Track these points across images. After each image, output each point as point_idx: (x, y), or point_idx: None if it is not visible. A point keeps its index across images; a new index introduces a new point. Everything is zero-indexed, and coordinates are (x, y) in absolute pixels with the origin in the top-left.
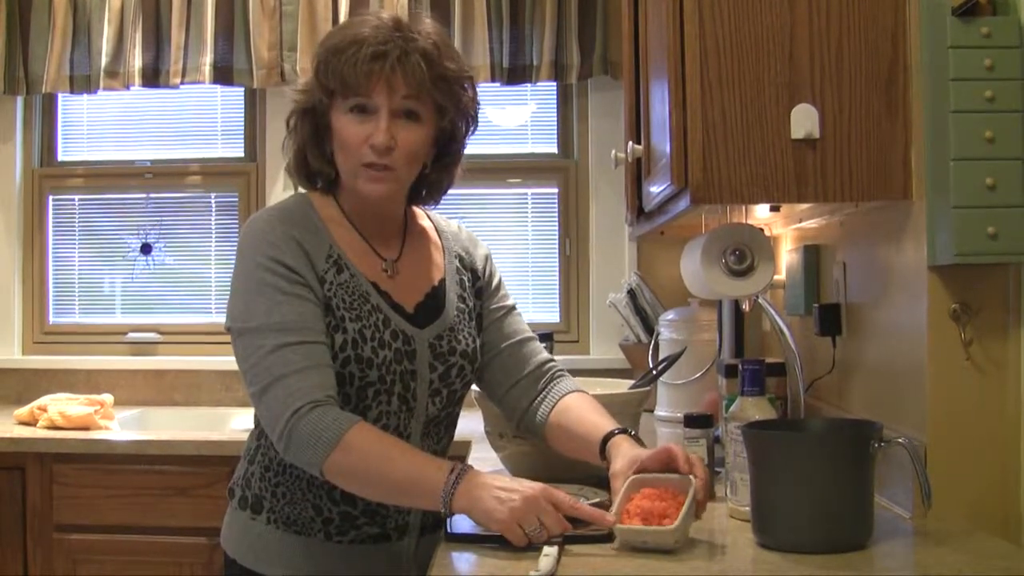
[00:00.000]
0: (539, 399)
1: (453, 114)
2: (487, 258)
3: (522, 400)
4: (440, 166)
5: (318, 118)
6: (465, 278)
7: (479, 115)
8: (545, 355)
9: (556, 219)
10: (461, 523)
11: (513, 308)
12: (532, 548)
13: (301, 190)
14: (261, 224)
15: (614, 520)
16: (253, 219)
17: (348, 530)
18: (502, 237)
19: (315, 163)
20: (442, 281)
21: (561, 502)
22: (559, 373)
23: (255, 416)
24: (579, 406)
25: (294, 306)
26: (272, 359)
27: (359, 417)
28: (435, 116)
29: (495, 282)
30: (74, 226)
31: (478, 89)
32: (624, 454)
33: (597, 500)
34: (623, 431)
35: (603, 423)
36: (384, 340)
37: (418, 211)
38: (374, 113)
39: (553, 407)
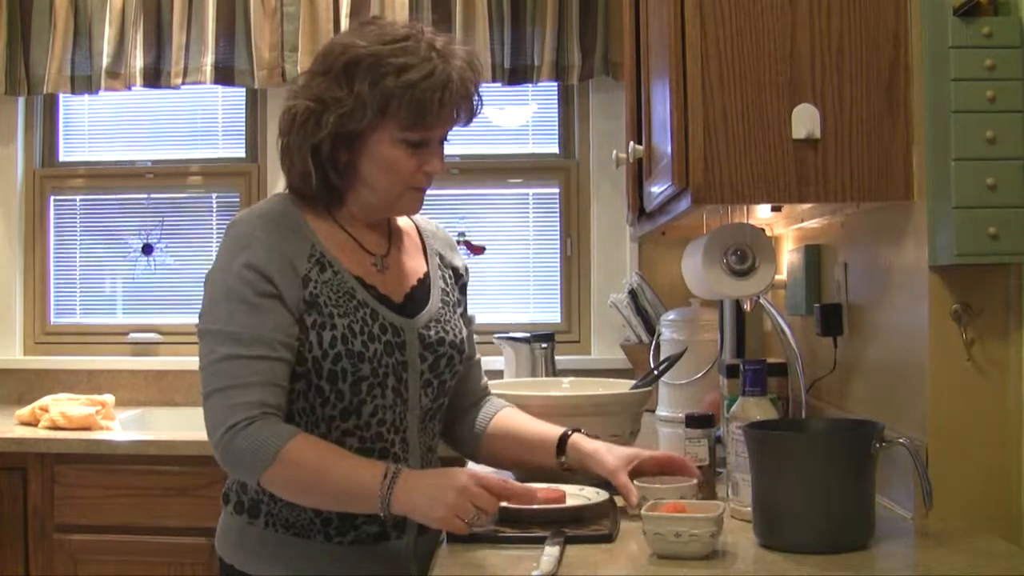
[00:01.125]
0: (473, 414)
1: None
2: (466, 267)
3: (463, 419)
4: None
5: (348, 139)
6: (447, 274)
7: None
8: (485, 380)
9: (557, 219)
10: None
11: (472, 321)
12: (529, 543)
13: (285, 189)
14: (242, 227)
15: (542, 498)
16: (235, 221)
17: (348, 530)
18: (503, 237)
19: (336, 181)
20: (427, 274)
21: (491, 485)
22: (489, 394)
23: None
24: (522, 416)
25: (254, 318)
26: (220, 367)
27: (298, 429)
28: None
29: (466, 292)
30: (75, 226)
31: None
32: (604, 450)
33: (599, 500)
34: (576, 431)
35: (552, 427)
36: (373, 334)
37: None
38: (429, 142)
39: (490, 419)
